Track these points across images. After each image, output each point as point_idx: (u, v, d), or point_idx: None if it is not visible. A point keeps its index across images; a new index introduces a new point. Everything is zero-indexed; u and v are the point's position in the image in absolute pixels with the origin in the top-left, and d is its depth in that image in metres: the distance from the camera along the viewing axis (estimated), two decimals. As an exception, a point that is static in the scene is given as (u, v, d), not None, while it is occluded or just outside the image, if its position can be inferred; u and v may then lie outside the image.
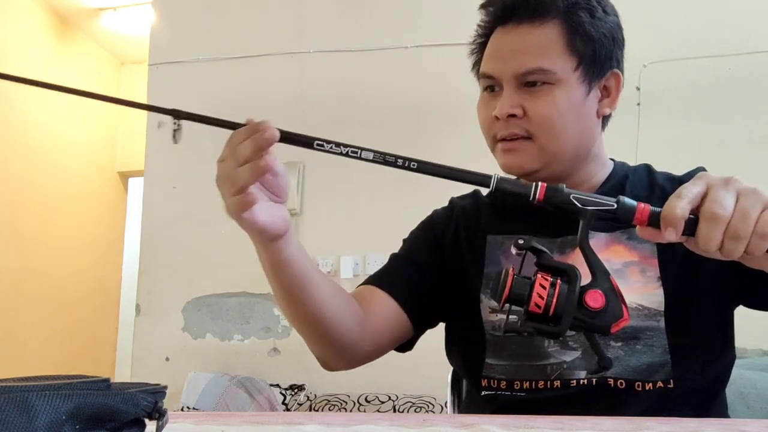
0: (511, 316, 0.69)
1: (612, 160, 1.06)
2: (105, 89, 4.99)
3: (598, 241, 0.96)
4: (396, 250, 1.11)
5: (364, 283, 1.05)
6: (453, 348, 1.08)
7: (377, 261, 3.00)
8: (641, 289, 0.92)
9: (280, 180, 0.77)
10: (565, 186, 0.67)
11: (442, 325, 1.10)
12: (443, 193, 1.16)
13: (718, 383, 0.97)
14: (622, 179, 1.02)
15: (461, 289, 1.03)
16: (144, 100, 3.41)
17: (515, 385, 0.95)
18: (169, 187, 3.35)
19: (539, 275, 0.65)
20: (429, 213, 1.14)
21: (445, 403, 1.28)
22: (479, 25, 1.01)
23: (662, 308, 0.92)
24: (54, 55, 4.47)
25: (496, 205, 1.08)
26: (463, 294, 1.02)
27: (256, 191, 0.72)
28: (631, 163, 1.08)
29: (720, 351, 0.96)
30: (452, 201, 1.14)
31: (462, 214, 1.09)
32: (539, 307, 0.64)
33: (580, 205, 0.66)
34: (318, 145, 0.69)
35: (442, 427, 0.63)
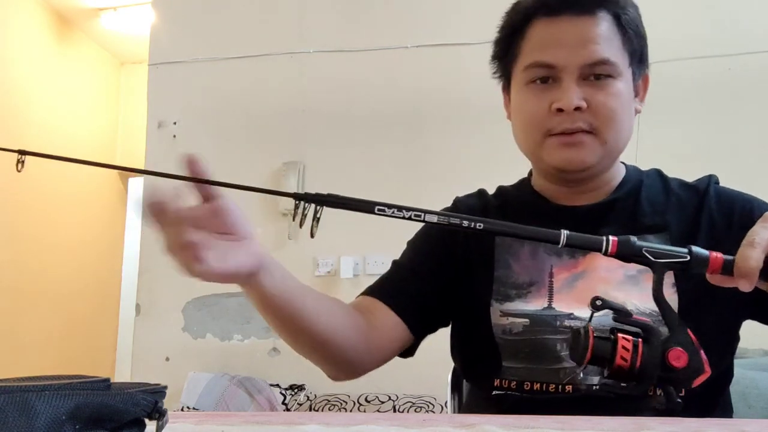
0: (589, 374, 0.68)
1: (622, 162, 1.04)
2: (105, 89, 5.00)
3: None
4: (397, 250, 1.08)
5: (365, 293, 1.02)
6: (460, 350, 1.06)
7: (377, 261, 3.00)
8: None
9: (229, 218, 0.69)
10: (636, 239, 0.65)
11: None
12: (445, 192, 1.15)
13: (723, 381, 0.97)
14: (638, 184, 1.00)
15: (470, 292, 1.01)
16: (144, 100, 3.42)
17: (525, 386, 0.94)
18: (168, 187, 3.34)
19: (620, 336, 0.65)
20: None
21: (445, 403, 1.28)
22: (509, 15, 0.97)
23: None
24: (54, 55, 4.46)
25: (505, 206, 1.05)
26: (471, 297, 1.00)
27: (204, 241, 0.66)
28: (631, 163, 1.07)
29: (728, 353, 0.96)
30: (457, 201, 1.10)
31: (469, 214, 1.07)
32: (623, 369, 0.64)
33: (652, 258, 0.65)
34: (379, 210, 0.67)
35: (442, 427, 0.63)
